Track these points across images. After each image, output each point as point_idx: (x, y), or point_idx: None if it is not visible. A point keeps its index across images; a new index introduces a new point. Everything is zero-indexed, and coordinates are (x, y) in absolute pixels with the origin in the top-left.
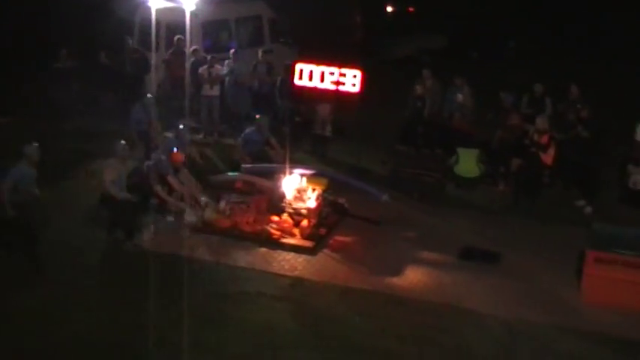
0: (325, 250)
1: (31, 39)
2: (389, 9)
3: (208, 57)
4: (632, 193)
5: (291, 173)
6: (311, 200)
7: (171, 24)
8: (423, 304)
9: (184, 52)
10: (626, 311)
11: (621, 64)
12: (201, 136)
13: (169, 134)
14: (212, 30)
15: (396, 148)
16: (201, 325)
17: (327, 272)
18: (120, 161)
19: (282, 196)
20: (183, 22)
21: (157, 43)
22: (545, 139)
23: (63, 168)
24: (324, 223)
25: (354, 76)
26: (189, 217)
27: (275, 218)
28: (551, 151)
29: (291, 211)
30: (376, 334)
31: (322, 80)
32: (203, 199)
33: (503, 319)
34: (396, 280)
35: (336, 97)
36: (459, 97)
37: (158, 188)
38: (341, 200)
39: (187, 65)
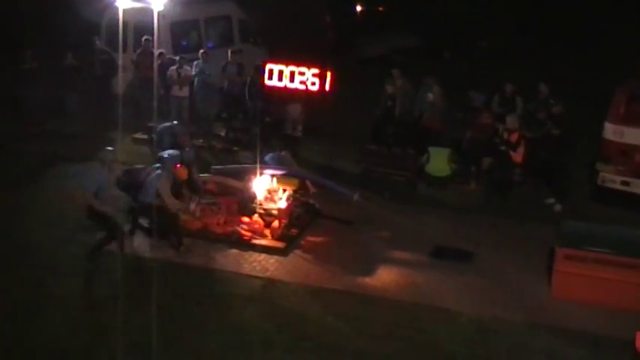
0: (297, 251)
1: None
2: (358, 8)
3: (177, 58)
4: (600, 190)
5: (261, 174)
6: (282, 201)
7: (140, 24)
8: (396, 304)
9: (152, 53)
10: (595, 307)
11: (590, 63)
12: None
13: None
14: (181, 30)
15: (366, 148)
16: (173, 328)
17: (299, 273)
18: (105, 167)
19: (253, 197)
20: (152, 23)
21: (125, 43)
22: (515, 137)
23: (29, 171)
24: (296, 224)
25: (325, 76)
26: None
27: (246, 219)
28: (522, 150)
29: (261, 211)
30: (350, 335)
31: (292, 80)
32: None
33: (475, 317)
34: (368, 280)
35: (307, 97)
36: (430, 96)
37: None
38: (312, 201)
39: (156, 66)
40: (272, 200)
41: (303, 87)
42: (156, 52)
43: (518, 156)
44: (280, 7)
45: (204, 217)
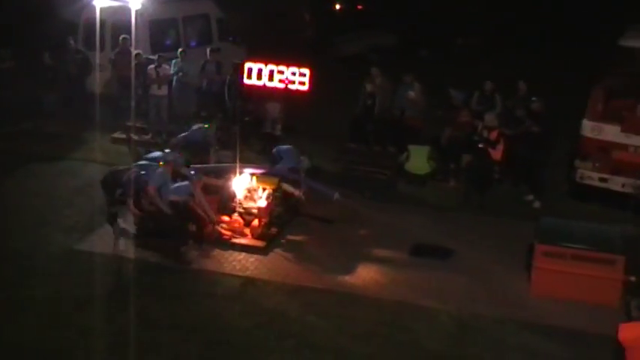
0: (277, 250)
1: None
2: (337, 7)
3: (155, 57)
4: (579, 187)
5: (241, 173)
6: (262, 200)
7: (117, 23)
8: (376, 302)
9: (130, 52)
10: (573, 303)
11: (569, 60)
12: (149, 136)
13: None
14: (159, 29)
15: (346, 146)
16: (152, 327)
17: (279, 272)
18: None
19: (233, 196)
20: (129, 22)
21: (103, 42)
22: (494, 135)
23: (6, 171)
24: (276, 223)
25: (304, 75)
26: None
27: (225, 218)
28: (500, 147)
29: (241, 210)
30: (330, 333)
31: (271, 79)
32: None
33: (456, 314)
34: (349, 279)
35: (286, 95)
36: (411, 94)
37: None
38: (296, 193)
39: (133, 65)
40: (252, 199)
41: (282, 86)
42: (134, 51)
43: (497, 153)
44: (259, 6)
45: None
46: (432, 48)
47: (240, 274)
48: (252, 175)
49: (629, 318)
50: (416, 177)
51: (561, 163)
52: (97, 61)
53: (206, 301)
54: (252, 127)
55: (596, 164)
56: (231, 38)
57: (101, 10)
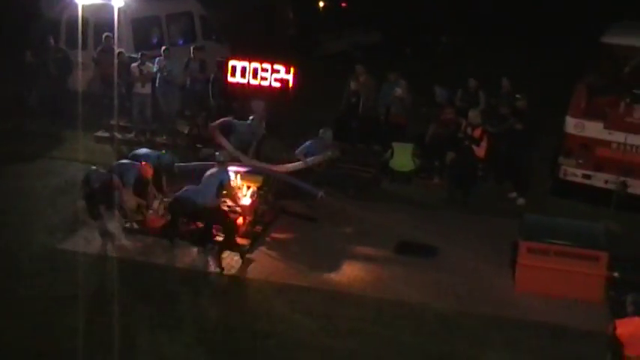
0: (261, 248)
1: None
2: (321, 4)
3: (138, 55)
4: (562, 183)
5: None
6: (246, 198)
7: (100, 21)
8: (361, 299)
9: (113, 50)
10: (558, 299)
11: (552, 57)
12: (132, 134)
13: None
14: (142, 27)
15: None
16: (137, 327)
17: (263, 270)
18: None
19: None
20: (112, 20)
21: (85, 41)
22: (477, 132)
23: None
24: (260, 221)
25: (288, 72)
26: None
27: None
28: (484, 144)
29: (226, 209)
30: (315, 331)
31: (255, 77)
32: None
33: (440, 311)
34: (333, 276)
35: (270, 93)
36: (398, 91)
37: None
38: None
39: (116, 63)
40: (236, 197)
41: (266, 83)
42: (116, 49)
43: (481, 150)
44: (242, 4)
45: (167, 214)
46: (417, 46)
47: (224, 272)
48: (237, 173)
49: (614, 314)
50: (400, 174)
51: (545, 160)
52: (80, 59)
53: (191, 299)
54: None
55: (580, 161)
56: (214, 36)
57: (83, 8)
